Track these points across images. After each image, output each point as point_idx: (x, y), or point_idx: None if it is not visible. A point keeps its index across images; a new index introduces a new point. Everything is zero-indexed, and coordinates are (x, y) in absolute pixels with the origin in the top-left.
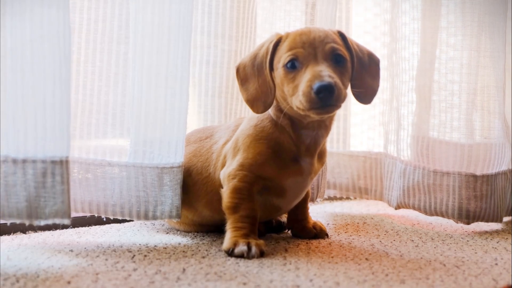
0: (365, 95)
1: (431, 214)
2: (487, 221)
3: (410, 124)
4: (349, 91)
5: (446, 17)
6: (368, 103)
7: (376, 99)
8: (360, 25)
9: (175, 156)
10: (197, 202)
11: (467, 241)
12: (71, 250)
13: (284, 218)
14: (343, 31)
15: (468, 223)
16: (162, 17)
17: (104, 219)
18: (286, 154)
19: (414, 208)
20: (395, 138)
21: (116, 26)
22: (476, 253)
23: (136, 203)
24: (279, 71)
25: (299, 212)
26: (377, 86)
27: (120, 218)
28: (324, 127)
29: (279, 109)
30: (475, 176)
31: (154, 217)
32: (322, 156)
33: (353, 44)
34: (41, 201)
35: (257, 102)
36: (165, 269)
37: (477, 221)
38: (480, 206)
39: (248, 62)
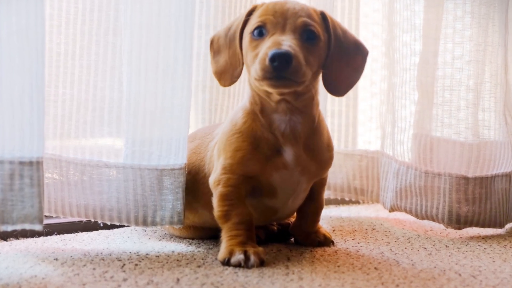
0: (339, 86)
1: (422, 218)
2: (482, 226)
3: (408, 122)
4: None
5: (454, 9)
6: (340, 96)
7: (380, 95)
8: (368, 15)
9: (176, 156)
10: (197, 203)
11: (484, 248)
12: (56, 259)
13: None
14: (351, 20)
15: (459, 228)
16: (162, 7)
17: (92, 225)
18: (264, 145)
19: (406, 211)
20: (391, 136)
21: (112, 16)
22: (494, 261)
23: (134, 208)
24: (245, 39)
25: (308, 225)
26: (357, 79)
27: (117, 223)
28: (298, 112)
29: (253, 95)
30: (466, 178)
31: (154, 223)
32: (317, 154)
33: (336, 27)
34: (8, 204)
35: (225, 74)
36: (157, 279)
37: (469, 226)
38: (473, 210)
39: (222, 33)
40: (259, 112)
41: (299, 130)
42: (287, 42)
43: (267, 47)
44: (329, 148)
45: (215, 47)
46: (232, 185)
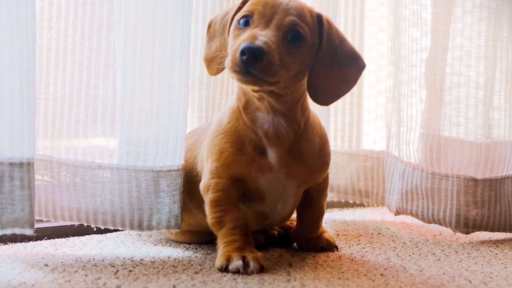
0: (323, 94)
1: (429, 222)
2: (491, 230)
3: (415, 121)
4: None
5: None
6: (323, 105)
7: (386, 93)
8: (374, 8)
9: (173, 157)
10: (190, 202)
11: (496, 254)
12: (46, 265)
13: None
14: (355, 14)
15: (467, 233)
16: (158, 0)
17: (84, 229)
18: (247, 145)
19: (412, 214)
20: (397, 136)
21: (106, 10)
22: (506, 267)
23: (129, 211)
24: (232, 27)
25: (308, 231)
26: (346, 91)
27: (111, 227)
28: (281, 114)
29: (239, 88)
30: (475, 180)
31: (150, 227)
32: (306, 158)
33: (332, 34)
34: None
35: (213, 62)
36: (152, 286)
37: (478, 230)
38: (482, 213)
39: (219, 18)
40: (242, 108)
41: (283, 132)
42: (263, 38)
43: (242, 39)
44: (322, 153)
45: (211, 32)
46: (221, 189)
